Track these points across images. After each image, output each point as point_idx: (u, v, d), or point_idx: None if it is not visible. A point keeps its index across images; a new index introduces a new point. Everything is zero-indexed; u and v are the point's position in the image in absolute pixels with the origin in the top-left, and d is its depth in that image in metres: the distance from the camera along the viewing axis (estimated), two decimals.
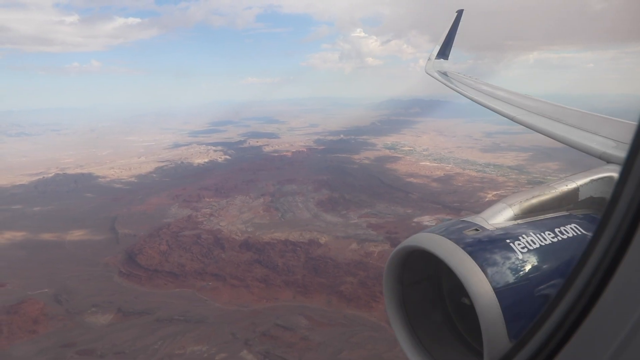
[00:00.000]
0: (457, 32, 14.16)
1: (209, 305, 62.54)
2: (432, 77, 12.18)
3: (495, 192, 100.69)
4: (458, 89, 9.96)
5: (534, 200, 2.79)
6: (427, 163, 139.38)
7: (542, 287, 2.27)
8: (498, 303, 2.12)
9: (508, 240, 2.39)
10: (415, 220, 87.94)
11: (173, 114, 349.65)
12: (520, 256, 2.32)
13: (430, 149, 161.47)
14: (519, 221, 2.64)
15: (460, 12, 14.41)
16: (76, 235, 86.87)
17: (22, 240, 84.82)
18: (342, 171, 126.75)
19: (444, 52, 14.07)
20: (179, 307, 61.73)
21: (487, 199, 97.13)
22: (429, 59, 13.96)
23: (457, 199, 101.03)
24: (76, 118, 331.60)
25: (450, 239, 2.37)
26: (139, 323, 58.38)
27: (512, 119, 6.54)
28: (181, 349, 52.70)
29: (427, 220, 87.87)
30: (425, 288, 2.78)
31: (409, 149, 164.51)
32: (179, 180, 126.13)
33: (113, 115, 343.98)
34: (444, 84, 11.03)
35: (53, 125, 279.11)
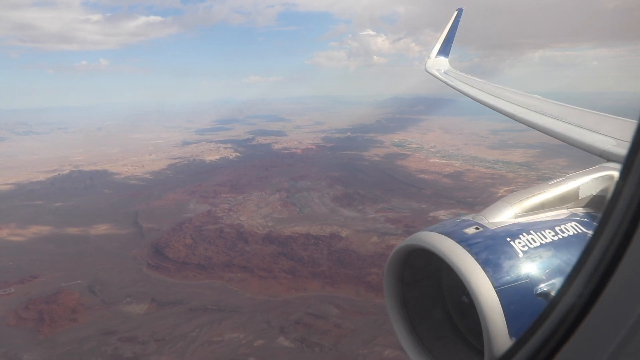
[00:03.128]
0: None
1: (240, 295, 64.34)
2: (432, 75, 12.55)
3: (506, 188, 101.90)
4: (457, 87, 10.11)
5: (535, 199, 2.82)
6: (437, 160, 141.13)
7: (542, 285, 2.28)
8: (499, 301, 2.16)
9: (509, 239, 2.42)
10: (432, 214, 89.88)
11: (175, 113, 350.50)
12: (521, 255, 2.35)
13: (438, 146, 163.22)
14: (520, 219, 2.66)
15: (460, 11, 14.81)
16: (101, 229, 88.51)
17: (49, 234, 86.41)
18: (353, 168, 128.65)
19: (444, 50, 14.28)
20: (210, 297, 63.55)
21: (499, 195, 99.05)
22: (429, 57, 14.18)
23: (469, 194, 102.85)
24: (81, 117, 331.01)
25: (451, 238, 2.41)
26: (174, 312, 60.18)
27: (512, 117, 6.59)
28: (219, 337, 54.52)
29: (442, 214, 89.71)
30: (425, 286, 2.80)
31: (417, 146, 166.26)
32: (192, 176, 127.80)
33: (116, 114, 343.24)
34: (444, 82, 11.20)
35: (59, 124, 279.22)
